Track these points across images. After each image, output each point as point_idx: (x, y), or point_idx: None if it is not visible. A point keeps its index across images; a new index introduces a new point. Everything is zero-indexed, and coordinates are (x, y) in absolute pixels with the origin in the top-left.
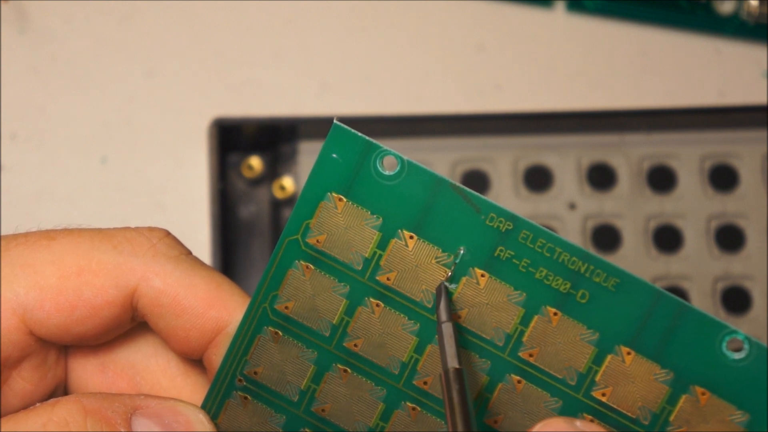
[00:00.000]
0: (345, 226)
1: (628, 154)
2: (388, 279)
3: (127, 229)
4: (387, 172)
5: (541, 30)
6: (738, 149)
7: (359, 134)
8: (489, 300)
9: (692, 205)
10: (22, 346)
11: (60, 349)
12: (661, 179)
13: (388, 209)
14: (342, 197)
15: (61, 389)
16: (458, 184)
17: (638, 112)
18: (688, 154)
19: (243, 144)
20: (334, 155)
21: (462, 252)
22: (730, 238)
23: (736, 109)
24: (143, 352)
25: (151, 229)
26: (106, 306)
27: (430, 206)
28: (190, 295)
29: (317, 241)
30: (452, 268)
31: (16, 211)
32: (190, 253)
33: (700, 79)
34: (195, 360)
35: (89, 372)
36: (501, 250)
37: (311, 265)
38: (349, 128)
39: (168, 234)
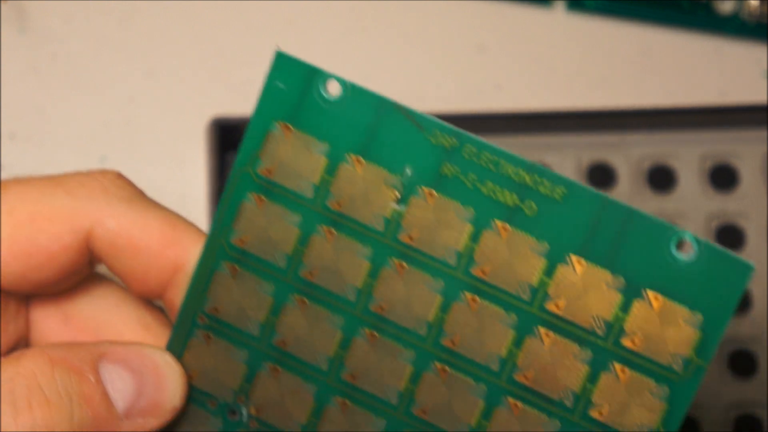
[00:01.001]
0: (294, 154)
1: (628, 154)
2: (338, 204)
3: (78, 173)
4: (331, 97)
5: (541, 30)
6: (738, 149)
7: (302, 60)
8: (438, 218)
9: (692, 205)
10: None
11: (20, 301)
12: (661, 179)
13: (335, 134)
14: (289, 125)
15: (23, 344)
16: (402, 104)
17: (638, 111)
18: (688, 154)
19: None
20: (279, 84)
21: (409, 172)
22: (730, 238)
23: (736, 109)
24: (105, 306)
25: (102, 171)
26: (62, 251)
27: (375, 128)
28: (145, 235)
29: (268, 171)
30: (400, 188)
31: None
32: (143, 194)
33: (700, 78)
34: (155, 300)
35: (51, 325)
36: (447, 167)
37: (263, 197)
38: (291, 55)
39: (120, 175)
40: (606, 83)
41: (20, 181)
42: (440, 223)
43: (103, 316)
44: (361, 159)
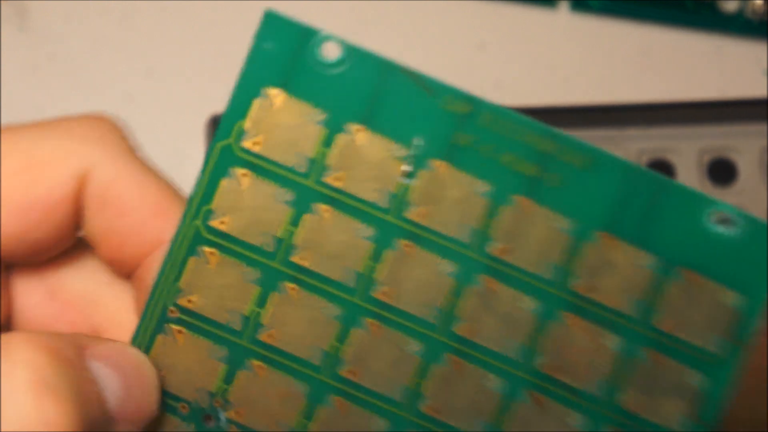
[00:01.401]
0: (285, 124)
1: (627, 148)
2: (337, 180)
3: (70, 116)
4: (329, 60)
5: (546, 30)
6: (737, 143)
7: (294, 20)
8: (452, 194)
9: None
10: None
11: (3, 272)
12: (660, 173)
13: (333, 101)
14: (280, 91)
15: (9, 322)
16: (410, 67)
17: (636, 106)
18: (687, 148)
19: None
20: (268, 46)
21: (417, 142)
22: None
23: (734, 103)
24: (95, 280)
25: (100, 116)
26: (61, 202)
27: (379, 94)
28: (138, 195)
29: (254, 144)
30: (409, 161)
31: None
32: (138, 151)
33: (701, 77)
34: (123, 276)
35: (35, 300)
36: (461, 137)
37: (249, 172)
38: (282, 15)
39: (118, 123)
40: (609, 83)
41: (9, 128)
42: (453, 198)
43: (93, 291)
44: (364, 128)
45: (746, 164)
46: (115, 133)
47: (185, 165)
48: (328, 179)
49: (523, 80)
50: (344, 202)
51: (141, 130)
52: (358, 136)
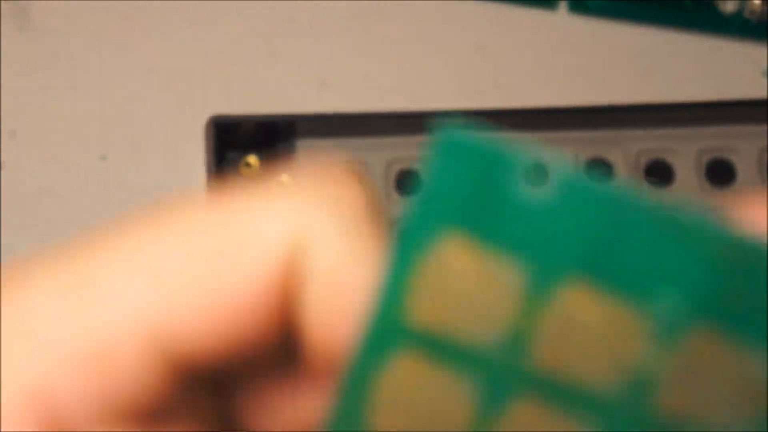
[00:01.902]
0: (470, 285)
1: (626, 150)
2: (547, 362)
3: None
4: (538, 191)
5: (544, 31)
6: (735, 144)
7: (483, 142)
8: (724, 376)
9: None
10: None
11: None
12: (659, 174)
13: (539, 251)
14: (463, 239)
15: None
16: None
17: (635, 107)
18: (686, 149)
19: (241, 142)
20: (445, 180)
21: (667, 305)
22: None
23: (733, 104)
24: None
25: (323, 178)
26: (266, 290)
27: (604, 243)
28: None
29: (426, 317)
30: (654, 332)
31: (16, 208)
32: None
33: (699, 78)
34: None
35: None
36: (732, 293)
37: (418, 358)
38: (470, 140)
39: (348, 188)
40: (608, 84)
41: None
42: (728, 383)
43: None
44: (584, 286)
45: (745, 165)
46: (343, 197)
47: (185, 165)
48: (534, 361)
49: (522, 81)
50: (557, 396)
51: (141, 130)
52: (576, 297)
